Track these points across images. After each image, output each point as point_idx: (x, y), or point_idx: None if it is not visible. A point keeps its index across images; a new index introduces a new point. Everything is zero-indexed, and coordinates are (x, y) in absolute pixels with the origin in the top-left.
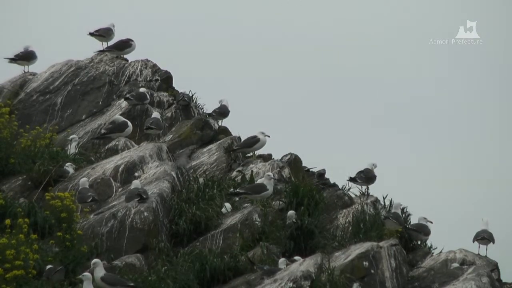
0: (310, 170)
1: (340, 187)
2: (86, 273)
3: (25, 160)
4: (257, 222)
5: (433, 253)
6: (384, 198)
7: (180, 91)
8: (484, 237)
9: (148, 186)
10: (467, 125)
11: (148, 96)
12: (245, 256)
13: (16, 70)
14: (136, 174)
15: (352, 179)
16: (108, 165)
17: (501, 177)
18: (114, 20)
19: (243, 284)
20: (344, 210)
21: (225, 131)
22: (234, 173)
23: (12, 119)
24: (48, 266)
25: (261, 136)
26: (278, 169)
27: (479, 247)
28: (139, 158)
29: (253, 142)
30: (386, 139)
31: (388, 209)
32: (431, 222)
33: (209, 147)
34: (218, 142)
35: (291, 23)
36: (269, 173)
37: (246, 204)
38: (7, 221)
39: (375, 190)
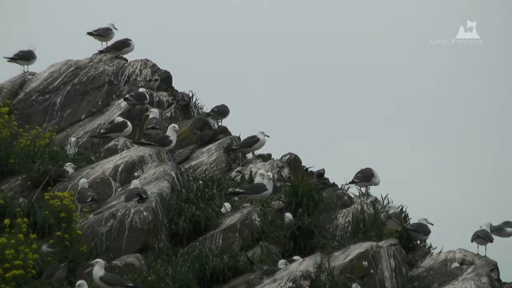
0: (309, 169)
1: (339, 186)
2: (80, 281)
3: (24, 160)
4: (256, 222)
5: (432, 253)
6: (384, 199)
7: (179, 91)
8: (479, 236)
9: (147, 186)
10: (467, 125)
11: (147, 96)
12: (245, 256)
13: (16, 70)
14: (136, 173)
15: (350, 182)
16: (107, 165)
17: (501, 177)
18: (114, 20)
19: (242, 284)
20: (343, 210)
21: (224, 131)
22: (234, 173)
23: (11, 119)
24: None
25: (260, 136)
26: (277, 168)
27: (478, 247)
28: (138, 158)
29: (253, 142)
30: (385, 139)
31: (387, 209)
32: (432, 224)
33: (208, 147)
34: (218, 142)
35: (292, 24)
36: (262, 171)
37: (245, 204)
38: (7, 221)
39: (375, 190)
